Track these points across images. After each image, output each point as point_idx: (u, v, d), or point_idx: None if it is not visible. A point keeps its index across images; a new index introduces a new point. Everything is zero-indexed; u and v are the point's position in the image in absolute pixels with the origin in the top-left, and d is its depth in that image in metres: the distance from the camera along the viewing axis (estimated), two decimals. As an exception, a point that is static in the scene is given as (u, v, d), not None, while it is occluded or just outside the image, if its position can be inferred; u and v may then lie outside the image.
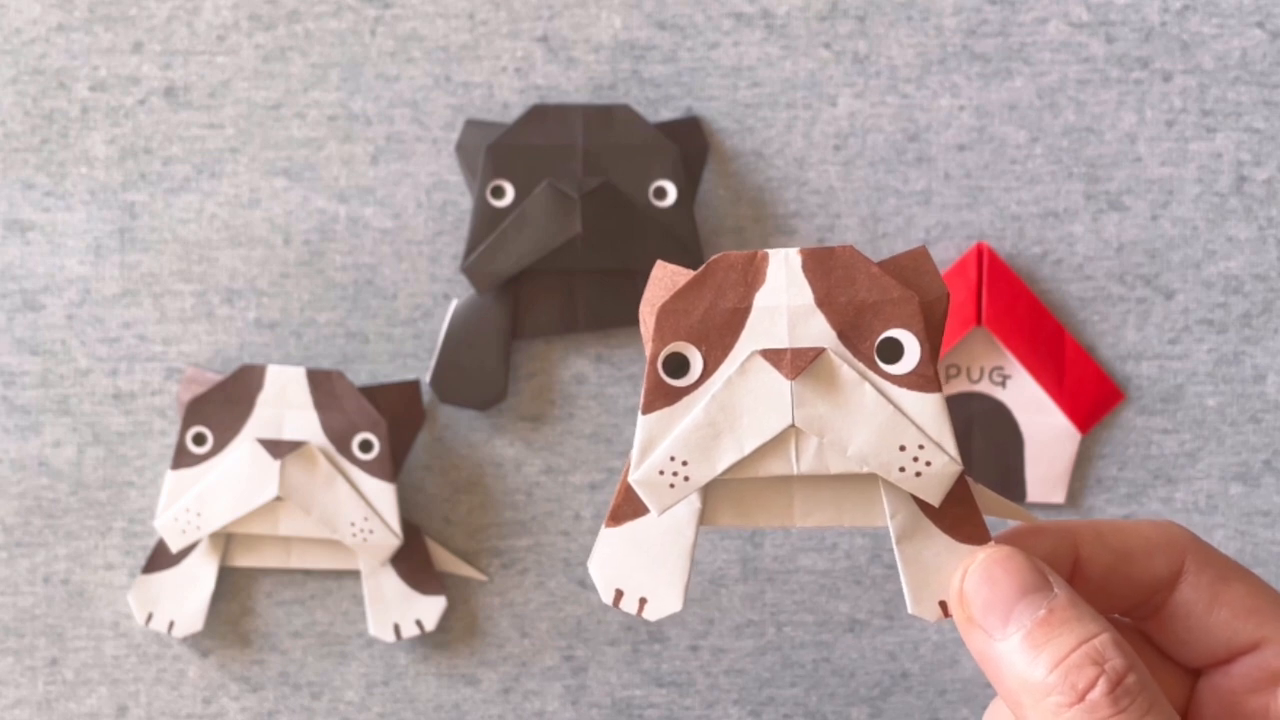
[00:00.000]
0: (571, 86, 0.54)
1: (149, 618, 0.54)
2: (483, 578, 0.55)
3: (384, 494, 0.52)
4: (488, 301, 0.54)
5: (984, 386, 0.54)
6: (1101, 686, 0.28)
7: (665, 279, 0.32)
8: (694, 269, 0.32)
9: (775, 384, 0.31)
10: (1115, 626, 0.30)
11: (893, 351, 0.31)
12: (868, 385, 0.31)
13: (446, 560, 0.55)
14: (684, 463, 0.31)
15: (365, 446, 0.52)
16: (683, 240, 0.53)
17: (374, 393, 0.53)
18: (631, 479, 0.31)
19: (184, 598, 0.54)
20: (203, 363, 0.54)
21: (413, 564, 0.54)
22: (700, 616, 0.55)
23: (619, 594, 0.33)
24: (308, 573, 0.55)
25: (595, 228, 0.52)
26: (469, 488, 0.55)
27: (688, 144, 0.54)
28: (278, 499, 0.51)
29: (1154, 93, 0.54)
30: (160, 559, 0.54)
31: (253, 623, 0.55)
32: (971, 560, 0.30)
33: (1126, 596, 0.32)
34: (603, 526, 0.33)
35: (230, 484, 0.52)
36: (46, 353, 0.54)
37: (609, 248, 0.52)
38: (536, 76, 0.54)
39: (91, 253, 0.54)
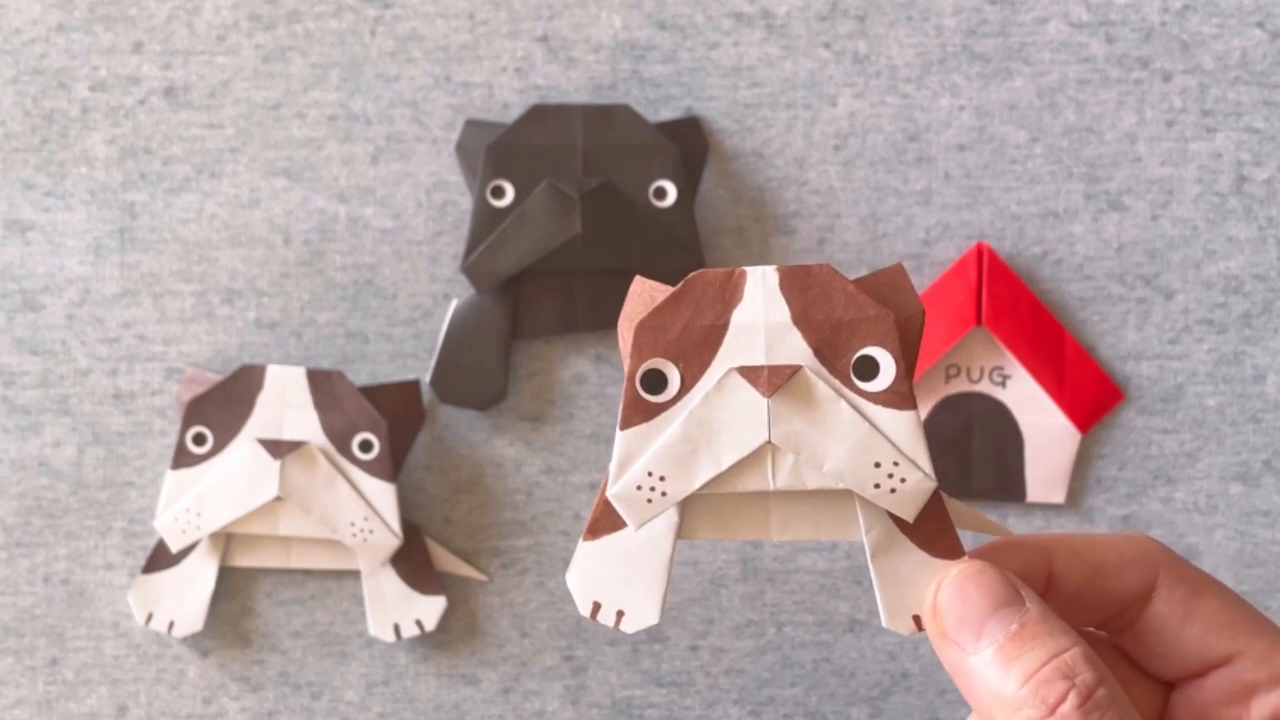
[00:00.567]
0: (571, 86, 0.54)
1: (149, 618, 0.54)
2: (483, 578, 0.55)
3: (384, 494, 0.52)
4: (488, 301, 0.54)
5: (984, 386, 0.54)
6: (1072, 700, 0.28)
7: (644, 295, 0.32)
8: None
9: (752, 401, 0.31)
10: (1089, 640, 0.30)
11: (869, 369, 0.31)
12: (844, 403, 0.31)
13: (446, 560, 0.55)
14: (661, 478, 0.31)
15: (365, 446, 0.52)
16: (683, 240, 0.53)
17: (374, 393, 0.53)
18: (610, 494, 0.31)
19: (184, 598, 0.54)
20: (203, 363, 0.55)
21: (413, 564, 0.54)
22: (700, 616, 0.55)
23: (596, 606, 0.33)
24: (308, 573, 0.55)
25: (595, 228, 0.52)
26: (469, 488, 0.55)
27: (688, 144, 0.54)
28: (278, 499, 0.52)
29: (1154, 93, 0.54)
30: (160, 559, 0.54)
31: (253, 623, 0.55)
32: (945, 575, 0.31)
33: (1101, 610, 0.32)
34: (580, 540, 0.33)
35: (230, 484, 0.52)
36: (46, 353, 0.54)
37: (609, 248, 0.52)
38: (536, 76, 0.54)
39: (91, 253, 0.54)
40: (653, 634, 0.55)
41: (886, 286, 0.32)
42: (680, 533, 0.32)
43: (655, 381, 0.32)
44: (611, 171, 0.53)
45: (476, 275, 0.53)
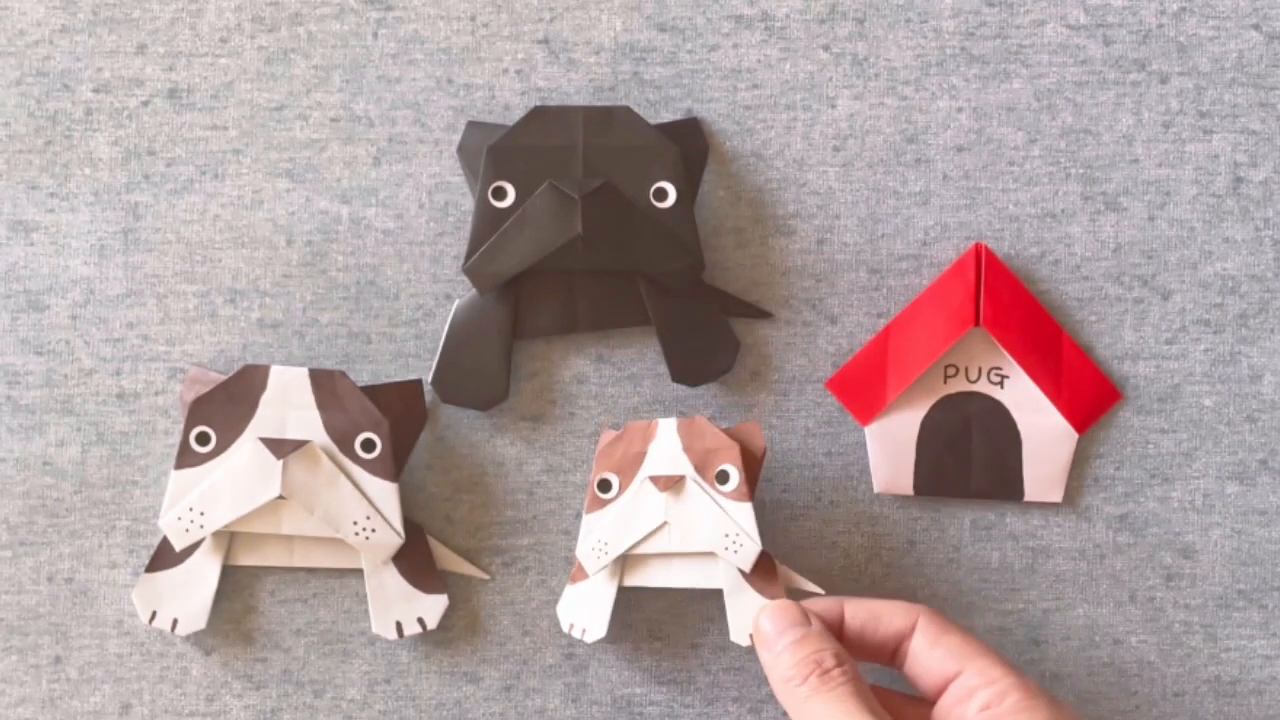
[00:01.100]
0: (572, 88, 0.55)
1: (152, 616, 0.54)
2: (484, 576, 0.55)
3: (386, 493, 0.53)
4: (489, 302, 0.54)
5: (982, 386, 0.55)
6: (816, 672, 0.46)
7: (605, 437, 0.53)
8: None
9: (655, 496, 0.52)
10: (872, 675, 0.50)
11: (724, 477, 0.52)
12: (708, 498, 0.51)
13: (448, 559, 0.55)
14: (606, 543, 0.52)
15: (368, 446, 0.53)
16: (683, 241, 0.53)
17: (376, 393, 0.53)
18: (577, 553, 0.53)
19: (187, 596, 0.54)
20: (206, 363, 0.55)
21: (415, 563, 0.54)
22: (700, 615, 0.55)
23: (571, 625, 0.53)
24: (310, 571, 0.55)
25: (596, 229, 0.52)
26: (470, 487, 0.55)
27: (688, 145, 0.54)
28: (280, 498, 0.52)
29: (1151, 94, 0.55)
30: (164, 558, 0.54)
31: (256, 621, 0.55)
32: (765, 605, 0.50)
33: (879, 645, 0.49)
34: (567, 585, 0.53)
35: (233, 483, 0.52)
36: (51, 353, 0.55)
37: (609, 248, 0.53)
38: (537, 78, 0.55)
39: (95, 253, 0.55)
40: (653, 632, 0.55)
41: (743, 433, 0.52)
42: (620, 581, 0.53)
43: (605, 485, 0.52)
44: (612, 173, 0.53)
45: (478, 276, 0.53)
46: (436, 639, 0.55)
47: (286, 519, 0.53)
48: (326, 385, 0.53)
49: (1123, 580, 0.55)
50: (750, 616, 0.51)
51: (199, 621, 0.54)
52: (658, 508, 0.51)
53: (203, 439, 0.52)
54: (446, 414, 0.55)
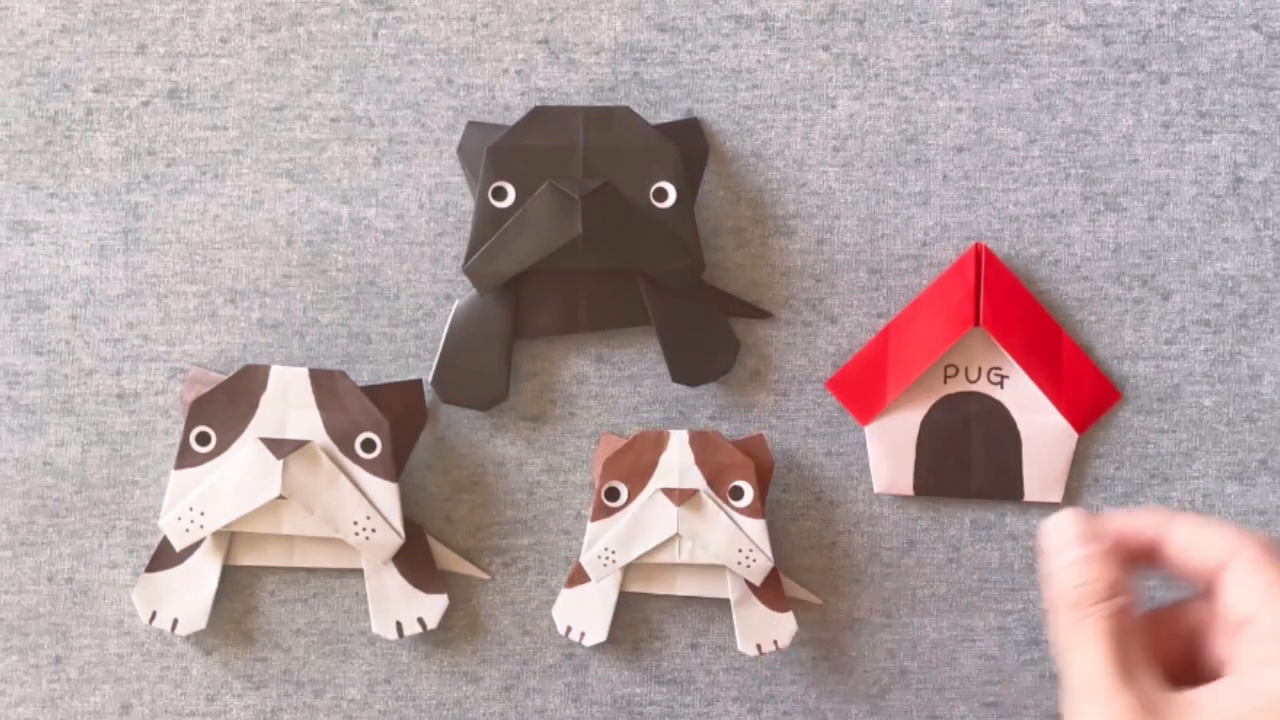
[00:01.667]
0: (572, 88, 0.55)
1: (153, 616, 0.54)
2: (484, 576, 0.55)
3: (386, 493, 0.53)
4: (489, 302, 0.54)
5: (982, 386, 0.55)
6: (1081, 602, 0.41)
7: (609, 442, 0.54)
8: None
9: (668, 508, 0.52)
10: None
11: (738, 493, 0.53)
12: (722, 514, 0.52)
13: (448, 559, 0.55)
14: (613, 552, 0.53)
15: (368, 446, 0.53)
16: (683, 241, 0.53)
17: (376, 393, 0.53)
18: (582, 560, 0.53)
19: (187, 596, 0.54)
20: (206, 363, 0.55)
21: (415, 562, 0.54)
22: (700, 615, 0.55)
23: (569, 629, 0.54)
24: (310, 571, 0.55)
25: (596, 229, 0.52)
26: (470, 487, 0.55)
27: (688, 145, 0.54)
28: (280, 498, 0.52)
29: (1151, 95, 0.55)
30: (164, 557, 0.54)
31: (256, 621, 0.55)
32: (1055, 516, 0.44)
33: (1193, 574, 0.43)
34: (563, 588, 0.54)
35: (233, 483, 0.52)
36: (51, 353, 0.55)
37: (609, 248, 0.53)
38: (537, 79, 0.55)
39: (96, 253, 0.55)
40: (653, 632, 0.55)
41: (752, 446, 0.53)
42: (621, 586, 0.54)
43: (613, 494, 0.53)
44: (612, 173, 0.53)
45: (478, 276, 0.53)
46: (436, 639, 0.55)
47: (286, 519, 0.53)
48: (327, 385, 0.53)
49: (1122, 580, 0.55)
50: (758, 628, 0.53)
51: (199, 621, 0.54)
52: (669, 520, 0.52)
53: (203, 439, 0.52)
54: (446, 414, 0.55)
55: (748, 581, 0.53)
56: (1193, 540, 0.43)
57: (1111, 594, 0.42)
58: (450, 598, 0.55)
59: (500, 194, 0.53)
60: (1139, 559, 0.44)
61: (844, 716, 0.56)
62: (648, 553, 0.53)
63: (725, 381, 0.55)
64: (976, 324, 0.53)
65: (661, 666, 0.56)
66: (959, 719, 0.56)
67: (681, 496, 0.52)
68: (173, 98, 0.55)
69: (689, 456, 0.53)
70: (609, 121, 0.53)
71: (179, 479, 0.52)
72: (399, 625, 0.54)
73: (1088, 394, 0.54)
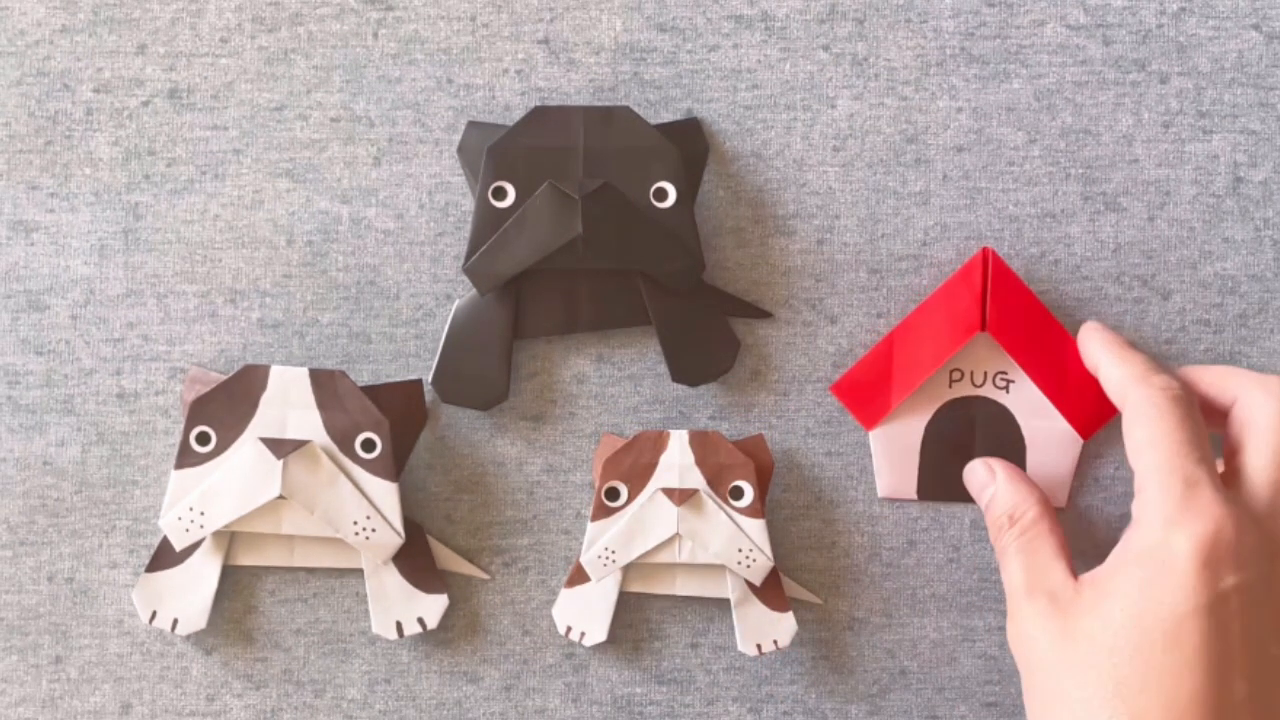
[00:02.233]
0: (572, 88, 0.55)
1: (153, 616, 0.54)
2: (484, 576, 0.55)
3: (386, 493, 0.53)
4: (489, 302, 0.54)
5: (987, 390, 0.54)
6: (1007, 527, 0.50)
7: (609, 443, 0.54)
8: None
9: (668, 508, 0.52)
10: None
11: (738, 493, 0.53)
12: (722, 514, 0.52)
13: (448, 559, 0.55)
14: (613, 552, 0.53)
15: (368, 446, 0.53)
16: (683, 241, 0.53)
17: (376, 392, 0.53)
18: (582, 560, 0.53)
19: (187, 596, 0.54)
20: (206, 363, 0.55)
21: (415, 562, 0.54)
22: (700, 614, 0.55)
23: (569, 629, 0.54)
24: (310, 571, 0.55)
25: (596, 229, 0.52)
26: (471, 487, 0.55)
27: (688, 145, 0.54)
28: (280, 498, 0.52)
29: (1151, 95, 0.55)
30: (164, 557, 0.54)
31: (256, 621, 0.55)
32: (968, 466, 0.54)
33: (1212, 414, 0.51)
34: (563, 588, 0.54)
35: (233, 483, 0.52)
36: (51, 353, 0.55)
37: (610, 249, 0.53)
38: (538, 78, 0.55)
39: (96, 253, 0.55)
40: (653, 632, 0.55)
41: (752, 446, 0.53)
42: (622, 587, 0.54)
43: (612, 493, 0.53)
44: (612, 173, 0.53)
45: (478, 276, 0.53)
46: (436, 639, 0.55)
47: (286, 519, 0.53)
48: (327, 385, 0.53)
49: (1122, 580, 0.55)
50: (758, 628, 0.54)
51: (199, 621, 0.54)
52: (670, 520, 0.52)
53: (203, 439, 0.53)
54: (446, 414, 0.55)
55: (748, 581, 0.53)
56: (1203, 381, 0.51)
57: (1014, 520, 0.50)
58: (450, 598, 0.55)
59: (500, 194, 0.53)
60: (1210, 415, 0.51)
61: (844, 716, 0.56)
62: (648, 553, 0.53)
63: (725, 381, 0.55)
64: (982, 329, 0.53)
65: (661, 666, 0.56)
66: (959, 719, 0.56)
67: (681, 496, 0.52)
68: (173, 98, 0.55)
69: (689, 456, 0.53)
70: (609, 121, 0.53)
71: (179, 479, 0.52)
72: (399, 625, 0.54)
73: (1093, 399, 0.54)
